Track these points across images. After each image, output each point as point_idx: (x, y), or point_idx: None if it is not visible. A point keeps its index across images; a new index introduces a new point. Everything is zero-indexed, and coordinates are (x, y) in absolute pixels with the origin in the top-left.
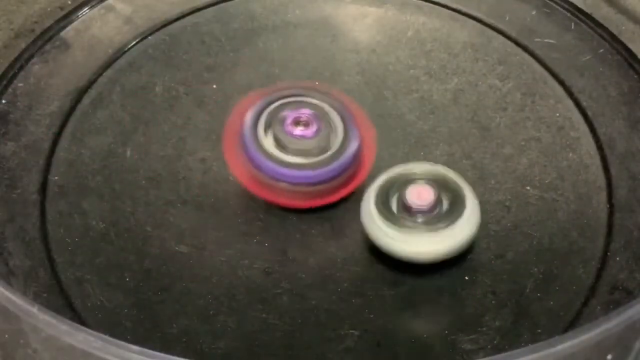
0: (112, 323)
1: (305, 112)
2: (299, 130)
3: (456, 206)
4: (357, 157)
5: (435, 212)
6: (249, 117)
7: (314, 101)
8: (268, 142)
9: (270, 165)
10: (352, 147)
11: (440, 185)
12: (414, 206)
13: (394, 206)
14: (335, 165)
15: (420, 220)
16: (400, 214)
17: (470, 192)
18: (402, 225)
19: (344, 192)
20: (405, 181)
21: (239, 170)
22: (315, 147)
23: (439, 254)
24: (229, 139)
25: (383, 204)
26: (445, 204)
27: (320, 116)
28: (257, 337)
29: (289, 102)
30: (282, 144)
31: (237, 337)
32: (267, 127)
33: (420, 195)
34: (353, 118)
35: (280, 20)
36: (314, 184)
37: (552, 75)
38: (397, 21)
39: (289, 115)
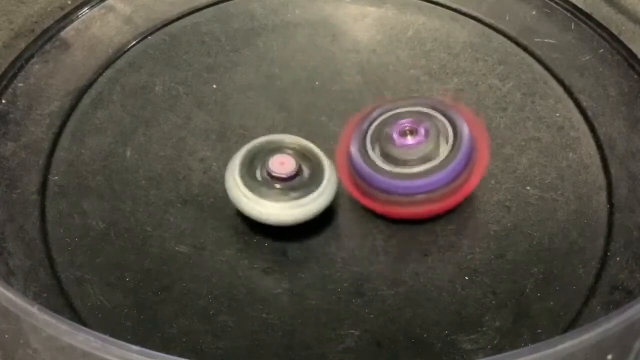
0: (112, 323)
1: (407, 122)
2: (408, 140)
3: (314, 179)
4: (473, 151)
5: (295, 181)
6: (354, 142)
7: (413, 109)
8: (378, 159)
9: (390, 181)
10: (466, 137)
11: (303, 157)
12: (274, 174)
13: (257, 172)
14: (454, 164)
15: (279, 187)
16: (263, 179)
17: (330, 168)
18: (261, 190)
19: (465, 191)
20: (271, 150)
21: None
22: (429, 150)
23: (292, 219)
24: (341, 167)
25: (247, 169)
26: (305, 175)
27: (423, 120)
28: (257, 337)
29: (388, 117)
30: (393, 158)
31: (237, 337)
32: (374, 144)
33: (282, 164)
34: (457, 113)
35: (280, 20)
36: (438, 189)
37: (552, 75)
38: (397, 21)
39: (393, 129)
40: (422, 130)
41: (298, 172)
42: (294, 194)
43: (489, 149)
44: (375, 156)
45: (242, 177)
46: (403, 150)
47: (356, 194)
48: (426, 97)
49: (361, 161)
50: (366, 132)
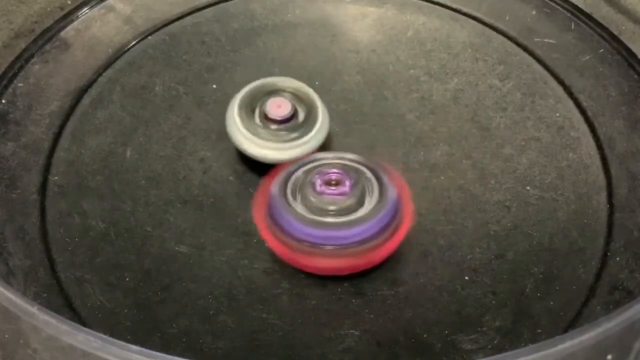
0: (112, 323)
1: (334, 172)
2: (332, 190)
3: (309, 121)
4: (399, 206)
5: (290, 123)
6: (275, 185)
7: (340, 161)
8: (300, 208)
9: (315, 230)
10: (392, 196)
11: (299, 99)
12: (272, 116)
13: (256, 114)
14: (383, 214)
15: (275, 128)
16: (261, 120)
17: (323, 110)
18: (258, 130)
19: (392, 245)
20: (269, 92)
21: (273, 242)
22: (352, 203)
23: (287, 157)
24: (258, 210)
25: (246, 111)
26: (300, 117)
27: (351, 174)
28: (257, 337)
29: (314, 167)
30: (317, 207)
31: (237, 337)
32: (296, 193)
33: (279, 107)
34: (386, 174)
35: (280, 20)
36: (363, 242)
37: (552, 75)
38: (397, 21)
39: (318, 177)
40: (347, 183)
41: (293, 115)
42: (289, 135)
43: (412, 216)
44: (293, 201)
45: (241, 117)
46: (323, 198)
47: (269, 239)
48: (357, 155)
49: (279, 203)
50: (291, 176)
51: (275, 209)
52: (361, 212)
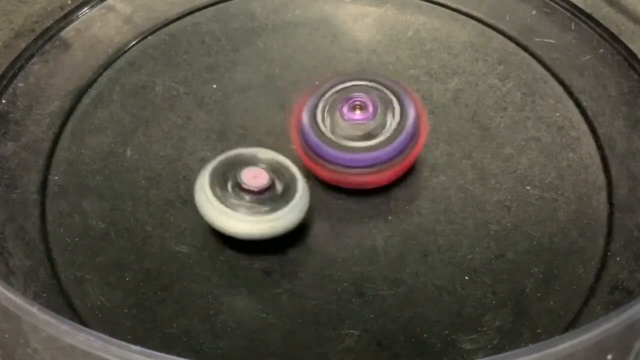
0: (112, 323)
1: (357, 97)
2: (357, 115)
3: (286, 195)
4: (416, 129)
5: (265, 195)
6: (306, 112)
7: (362, 83)
8: (328, 131)
9: (340, 153)
10: (410, 117)
11: (277, 173)
12: (246, 186)
13: (228, 184)
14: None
15: (248, 199)
16: (233, 192)
17: (303, 185)
18: (230, 202)
19: (404, 166)
20: (244, 162)
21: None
22: (375, 126)
23: (258, 234)
24: (294, 137)
25: (218, 180)
26: (278, 190)
27: (373, 96)
28: (257, 337)
29: (339, 90)
30: (343, 131)
31: (237, 337)
32: (325, 116)
33: (255, 178)
34: (405, 92)
35: (280, 20)
36: (384, 162)
37: (552, 75)
38: (397, 21)
39: (343, 103)
40: (370, 106)
41: (270, 186)
42: (264, 208)
43: (427, 124)
44: (324, 128)
45: (213, 189)
46: (351, 124)
47: (307, 163)
48: (374, 73)
49: (311, 132)
50: (317, 103)
51: (308, 137)
52: (385, 134)
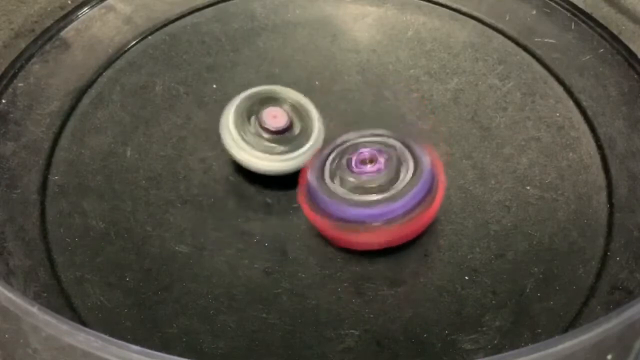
0: (112, 323)
1: (366, 150)
2: (367, 168)
3: (304, 134)
4: (434, 175)
5: (283, 135)
6: (312, 172)
7: (373, 139)
8: (336, 186)
9: (345, 208)
10: (426, 167)
11: (297, 114)
12: (267, 126)
13: (251, 122)
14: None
15: (269, 138)
16: (254, 129)
17: (319, 123)
18: (250, 139)
19: (431, 214)
20: (268, 100)
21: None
22: (391, 176)
23: (280, 170)
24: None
25: (241, 116)
26: (297, 129)
27: (383, 150)
28: (257, 337)
29: (347, 147)
30: (351, 185)
31: (237, 337)
32: (334, 172)
33: (275, 118)
34: (414, 140)
35: (280, 20)
36: (404, 214)
37: (552, 75)
38: (397, 21)
39: (353, 157)
40: (381, 159)
41: (289, 126)
42: (283, 147)
43: (445, 180)
44: (332, 184)
45: (236, 126)
46: (361, 177)
47: (315, 221)
48: (386, 130)
49: (317, 187)
50: (325, 160)
51: (317, 195)
52: (399, 186)
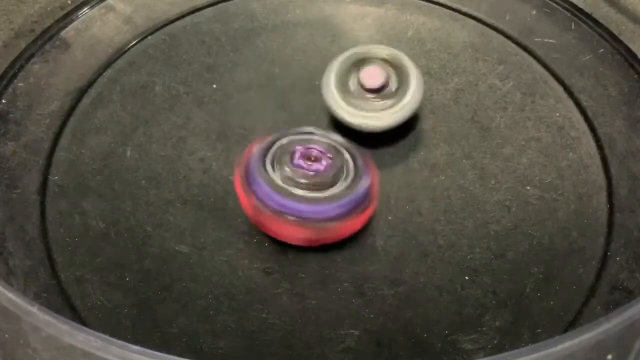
0: (112, 323)
1: (314, 148)
2: (309, 165)
3: (402, 87)
4: (369, 194)
5: (381, 93)
6: (256, 151)
7: (322, 139)
8: (277, 177)
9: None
10: (365, 183)
11: (393, 66)
12: (366, 85)
13: (350, 82)
14: (350, 198)
15: (370, 96)
16: (356, 90)
17: (416, 77)
18: (355, 100)
19: (356, 226)
20: (362, 60)
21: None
22: (326, 180)
23: (384, 126)
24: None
25: (342, 79)
26: (394, 84)
27: (330, 151)
28: (257, 337)
29: (301, 139)
30: (292, 179)
31: (237, 337)
32: (274, 160)
33: (372, 77)
34: (362, 156)
35: (280, 20)
36: (330, 218)
37: (552, 75)
38: (397, 21)
39: (300, 149)
40: (324, 162)
41: (386, 84)
42: (383, 103)
43: (376, 202)
44: (270, 167)
45: (337, 87)
46: (297, 171)
47: (241, 197)
48: (346, 140)
49: (255, 166)
50: (274, 143)
51: (251, 170)
52: (328, 193)
